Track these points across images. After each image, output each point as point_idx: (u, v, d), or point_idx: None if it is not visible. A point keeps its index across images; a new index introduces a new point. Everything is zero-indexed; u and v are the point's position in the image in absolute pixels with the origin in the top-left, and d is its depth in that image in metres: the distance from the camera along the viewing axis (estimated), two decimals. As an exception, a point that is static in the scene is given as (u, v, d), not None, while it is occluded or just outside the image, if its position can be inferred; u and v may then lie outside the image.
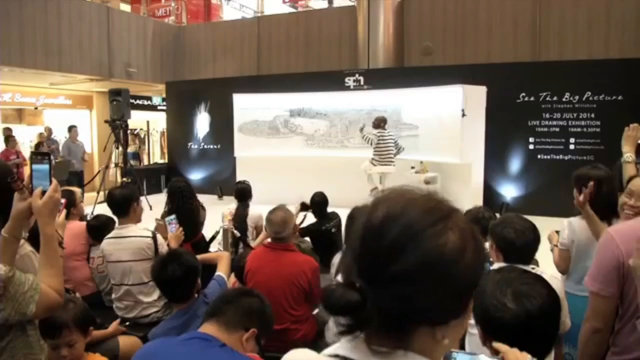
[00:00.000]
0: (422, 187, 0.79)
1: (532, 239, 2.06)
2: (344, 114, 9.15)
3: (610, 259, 1.75)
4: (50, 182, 1.59)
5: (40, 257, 1.57)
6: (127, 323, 3.02)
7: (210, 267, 2.77)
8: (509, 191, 8.26)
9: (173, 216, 3.39)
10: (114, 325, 2.81)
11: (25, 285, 1.45)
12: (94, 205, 7.78)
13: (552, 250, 2.86)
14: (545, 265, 2.60)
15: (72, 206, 3.52)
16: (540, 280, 1.28)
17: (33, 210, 1.54)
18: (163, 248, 3.10)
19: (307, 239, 4.62)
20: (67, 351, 1.94)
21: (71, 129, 10.35)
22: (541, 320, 1.19)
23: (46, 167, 1.62)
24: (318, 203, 4.62)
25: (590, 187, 2.38)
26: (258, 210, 4.66)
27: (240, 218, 4.59)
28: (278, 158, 9.17)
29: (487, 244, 2.27)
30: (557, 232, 2.86)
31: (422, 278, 0.68)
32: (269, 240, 3.11)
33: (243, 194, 4.78)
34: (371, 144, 7.67)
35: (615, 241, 1.75)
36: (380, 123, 7.74)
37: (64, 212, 1.97)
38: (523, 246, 2.02)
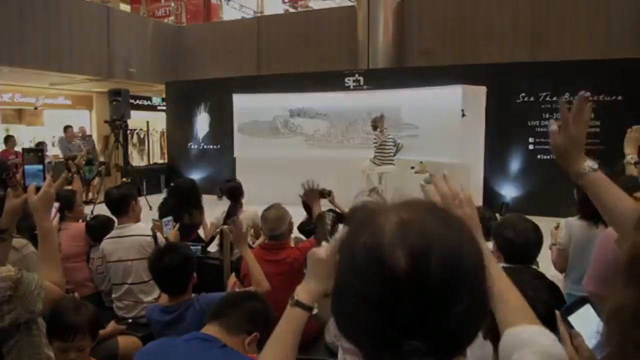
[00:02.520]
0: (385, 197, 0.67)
1: (533, 238, 2.06)
2: (344, 114, 9.15)
3: (607, 259, 1.75)
4: (44, 179, 1.62)
5: (40, 252, 1.60)
6: (130, 320, 3.03)
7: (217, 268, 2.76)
8: (509, 191, 8.26)
9: (169, 218, 3.41)
10: (111, 325, 2.81)
11: (32, 284, 1.48)
12: (94, 205, 7.79)
13: (550, 248, 2.87)
14: (546, 266, 2.60)
15: (70, 208, 3.52)
16: (551, 288, 1.26)
17: (29, 205, 1.57)
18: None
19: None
20: (76, 355, 1.93)
21: (66, 129, 10.35)
22: (545, 326, 1.19)
23: (39, 165, 1.64)
24: (305, 202, 4.55)
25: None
26: (253, 208, 4.50)
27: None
28: (278, 158, 9.16)
29: (490, 244, 2.27)
30: (558, 224, 2.88)
31: (478, 302, 0.61)
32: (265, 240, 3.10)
33: (235, 192, 4.66)
34: (396, 145, 7.71)
35: (612, 241, 1.75)
36: (380, 122, 7.74)
37: (57, 216, 1.97)
38: (523, 246, 2.02)
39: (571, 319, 1.07)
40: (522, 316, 0.89)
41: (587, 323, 1.06)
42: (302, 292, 1.02)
